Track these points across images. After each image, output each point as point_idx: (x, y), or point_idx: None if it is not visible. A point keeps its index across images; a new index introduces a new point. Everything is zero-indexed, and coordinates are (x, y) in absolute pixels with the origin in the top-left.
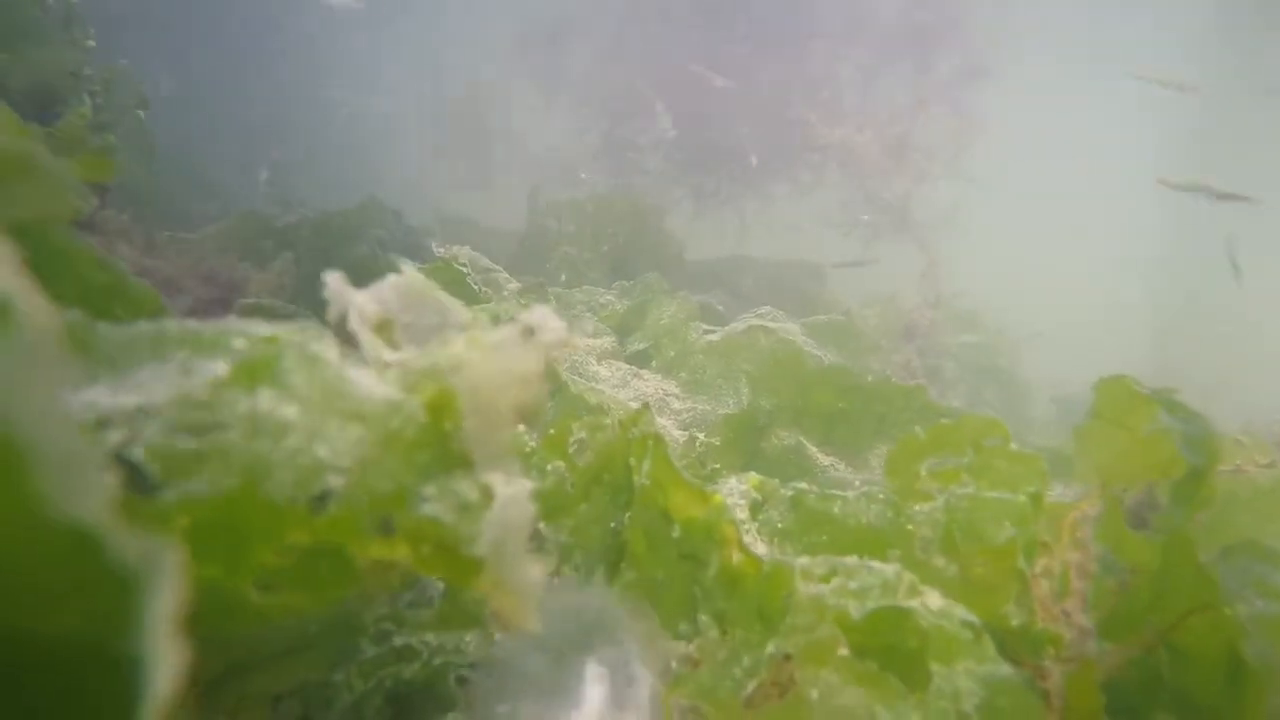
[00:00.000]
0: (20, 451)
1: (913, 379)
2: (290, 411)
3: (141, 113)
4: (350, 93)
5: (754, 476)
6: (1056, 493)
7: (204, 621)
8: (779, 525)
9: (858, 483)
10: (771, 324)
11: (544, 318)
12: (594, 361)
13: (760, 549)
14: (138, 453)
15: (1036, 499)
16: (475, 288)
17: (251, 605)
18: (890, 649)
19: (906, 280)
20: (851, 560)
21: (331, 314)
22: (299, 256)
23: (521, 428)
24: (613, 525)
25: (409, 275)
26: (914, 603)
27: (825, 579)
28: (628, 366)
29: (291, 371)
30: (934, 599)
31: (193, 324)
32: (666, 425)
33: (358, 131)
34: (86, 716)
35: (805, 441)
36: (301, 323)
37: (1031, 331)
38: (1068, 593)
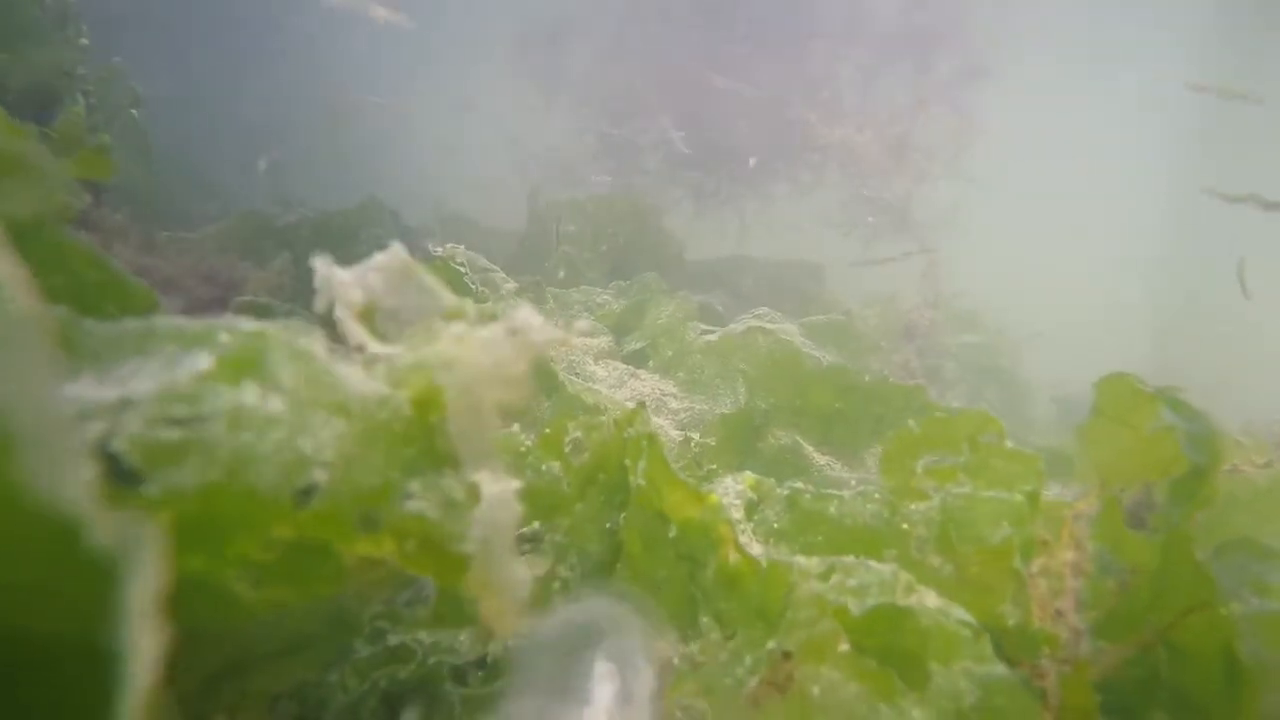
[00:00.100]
0: None
1: (912, 379)
2: (275, 405)
3: (136, 111)
4: (358, 94)
5: (750, 476)
6: (1055, 492)
7: (188, 613)
8: (775, 525)
9: (853, 482)
10: (770, 325)
11: (527, 316)
12: (591, 361)
13: (756, 549)
14: (120, 445)
15: (1033, 498)
16: (472, 287)
17: (237, 598)
18: (890, 647)
19: (907, 280)
20: (849, 559)
21: (320, 304)
22: (297, 256)
23: (516, 427)
24: (608, 526)
25: (396, 256)
26: (912, 601)
27: (824, 577)
28: (625, 366)
29: (277, 365)
30: (931, 599)
31: (180, 320)
32: (664, 425)
33: (359, 131)
34: (69, 707)
35: (802, 441)
36: (292, 319)
37: (1032, 332)
38: (1062, 592)
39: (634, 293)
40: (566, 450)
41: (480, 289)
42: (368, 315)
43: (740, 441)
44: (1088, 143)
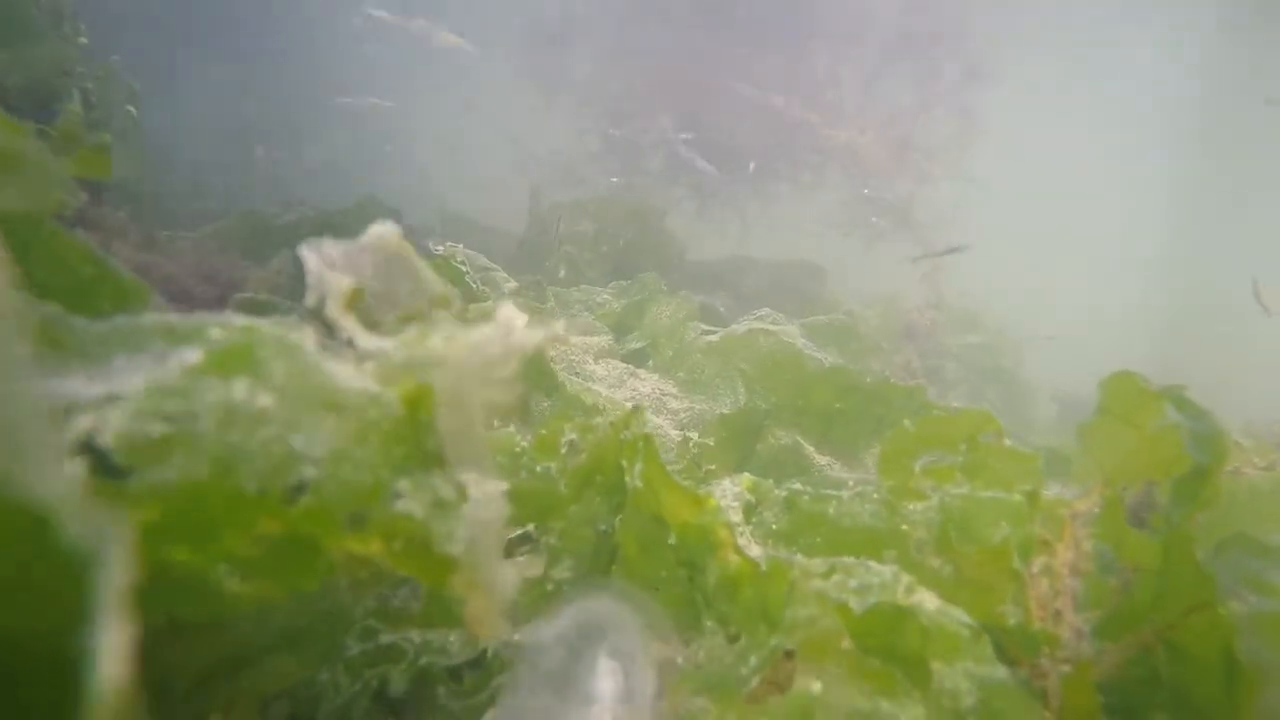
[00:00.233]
0: None
1: (913, 379)
2: (265, 401)
3: (134, 110)
4: (359, 95)
5: (747, 478)
6: (1055, 492)
7: (176, 605)
8: (773, 527)
9: (851, 482)
10: (772, 326)
11: (510, 315)
12: (591, 360)
13: (755, 551)
14: (107, 439)
15: (1032, 497)
16: (473, 285)
17: (224, 591)
18: (891, 646)
19: (908, 281)
20: (850, 560)
21: (310, 299)
22: (297, 255)
23: (511, 427)
24: (603, 528)
25: (387, 235)
26: (913, 600)
27: (825, 576)
28: (624, 365)
29: (267, 361)
30: (931, 600)
31: (170, 316)
32: (663, 425)
33: (360, 131)
34: (39, 704)
35: (802, 441)
36: (289, 316)
37: (1044, 335)
38: (1061, 592)
39: (634, 292)
40: (562, 452)
41: (481, 287)
42: (357, 299)
43: (740, 442)
44: (1088, 143)
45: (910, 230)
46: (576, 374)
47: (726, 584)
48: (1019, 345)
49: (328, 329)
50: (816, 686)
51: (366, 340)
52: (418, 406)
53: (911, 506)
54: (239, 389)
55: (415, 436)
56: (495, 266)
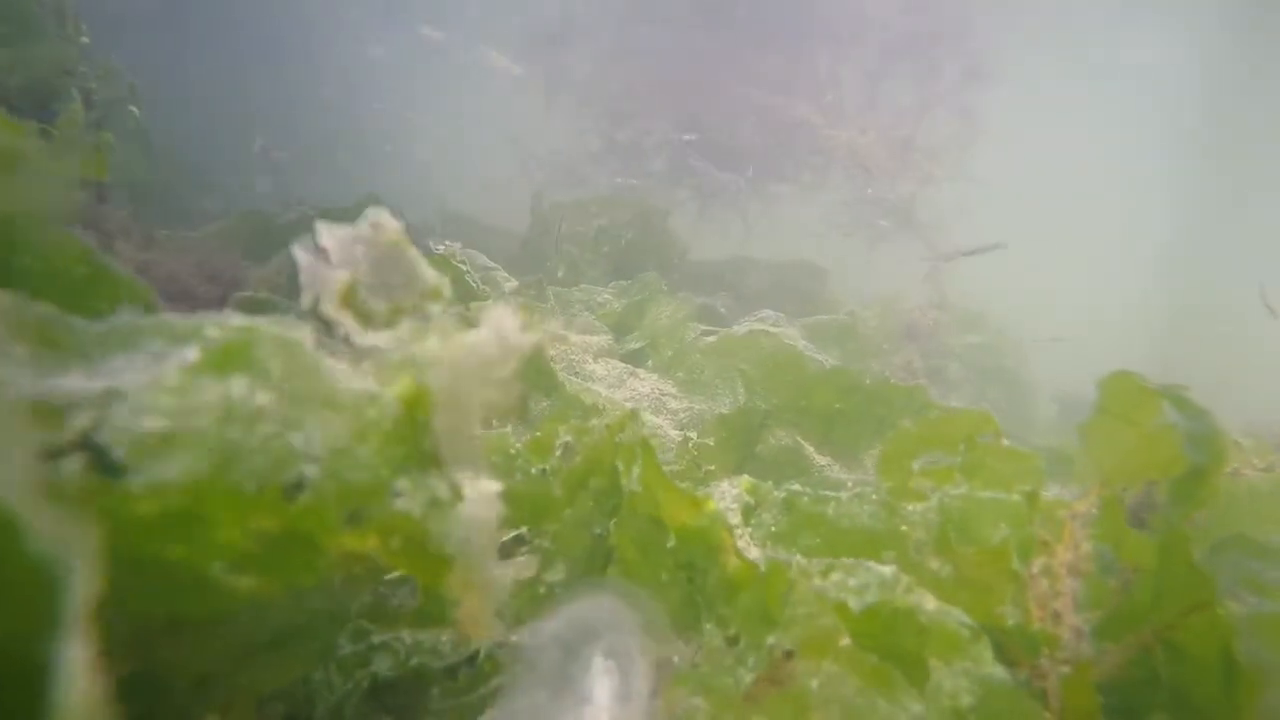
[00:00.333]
0: None
1: (915, 380)
2: (263, 398)
3: (136, 109)
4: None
5: (746, 480)
6: (1055, 492)
7: (174, 600)
8: (772, 528)
9: (850, 483)
10: (773, 328)
11: (504, 315)
12: (590, 359)
13: (754, 553)
14: (106, 437)
15: (1031, 497)
16: (473, 284)
17: (220, 585)
18: (890, 645)
19: (910, 281)
20: (849, 560)
21: (306, 300)
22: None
23: (508, 429)
24: (597, 531)
25: (382, 224)
26: (912, 600)
27: (824, 575)
28: (624, 365)
29: (266, 359)
30: (930, 601)
31: (168, 315)
32: (663, 424)
33: (364, 132)
34: (9, 712)
35: (803, 442)
36: (284, 314)
37: (1051, 337)
38: (1061, 592)
39: (635, 292)
40: (557, 454)
41: (481, 286)
42: (351, 293)
43: (740, 442)
44: (1089, 143)
45: (912, 230)
46: (576, 374)
47: (726, 586)
48: (1020, 345)
49: (325, 326)
50: (814, 684)
51: (363, 337)
52: (415, 406)
53: (911, 507)
54: (237, 387)
55: (413, 436)
56: (496, 266)
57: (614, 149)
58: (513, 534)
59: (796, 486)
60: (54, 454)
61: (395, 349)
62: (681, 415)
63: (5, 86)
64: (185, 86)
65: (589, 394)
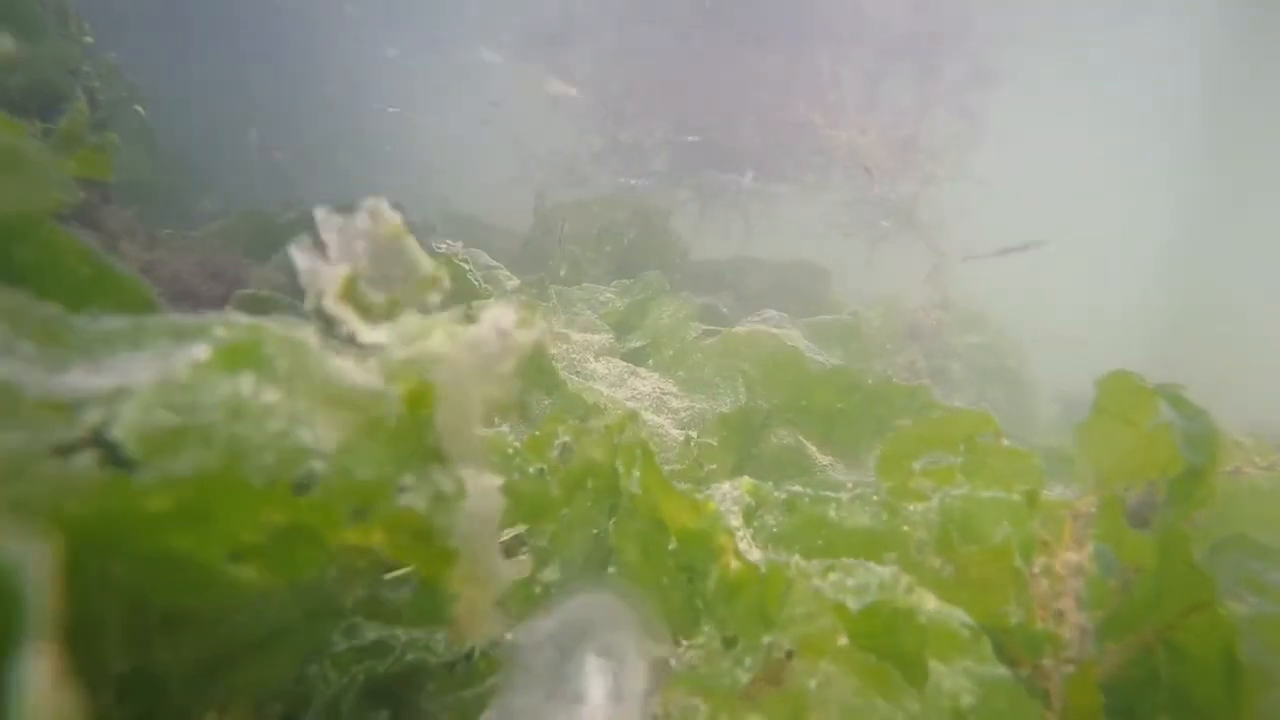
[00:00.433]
0: None
1: (917, 380)
2: (272, 395)
3: (142, 109)
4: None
5: (747, 481)
6: (1058, 492)
7: (177, 591)
8: (774, 530)
9: (851, 484)
10: (775, 329)
11: (503, 313)
12: (591, 358)
13: (756, 555)
14: (118, 432)
15: (1032, 496)
16: (475, 283)
17: (223, 576)
18: (889, 645)
19: (912, 281)
20: (849, 560)
21: (309, 302)
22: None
23: (505, 427)
24: (595, 532)
25: (381, 214)
26: (912, 600)
27: (823, 575)
28: (625, 364)
29: (273, 358)
30: (930, 601)
31: (173, 315)
32: (664, 424)
33: (365, 132)
34: None
35: (805, 441)
36: (287, 312)
37: (1070, 338)
38: (1064, 592)
39: (637, 291)
40: (555, 454)
41: (483, 285)
42: (352, 289)
43: (742, 441)
44: (1089, 143)
45: (914, 230)
46: (577, 372)
47: (726, 588)
48: (1021, 345)
49: (328, 324)
50: (812, 684)
51: (368, 334)
52: (419, 404)
53: (912, 507)
54: (246, 384)
55: (418, 433)
56: (498, 265)
57: (616, 149)
58: (511, 533)
59: (798, 488)
60: (66, 449)
61: (399, 346)
62: (683, 414)
63: (8, 86)
64: (186, 85)
65: (590, 393)
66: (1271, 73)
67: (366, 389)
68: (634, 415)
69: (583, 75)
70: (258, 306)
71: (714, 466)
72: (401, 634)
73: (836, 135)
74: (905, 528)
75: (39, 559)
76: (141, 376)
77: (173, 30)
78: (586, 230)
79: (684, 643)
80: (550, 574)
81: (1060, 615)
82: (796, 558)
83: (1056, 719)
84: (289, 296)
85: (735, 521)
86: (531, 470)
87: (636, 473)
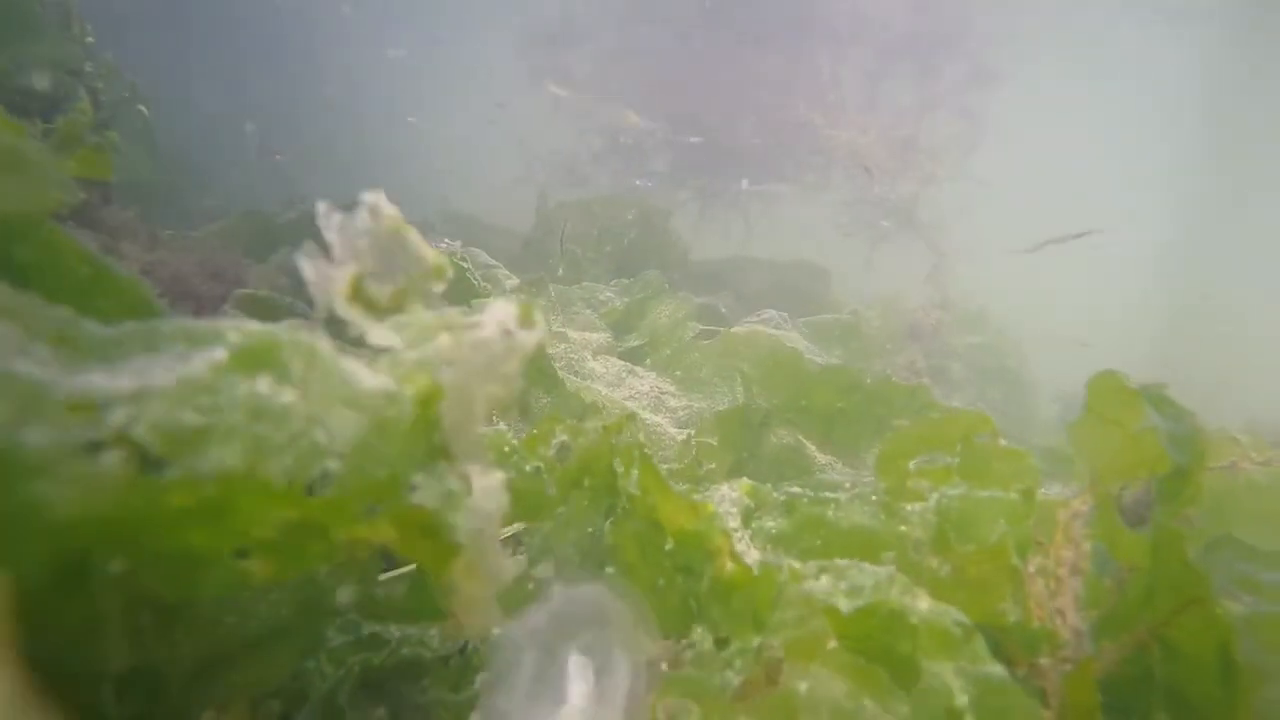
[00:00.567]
0: None
1: (917, 380)
2: (289, 397)
3: (145, 109)
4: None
5: (746, 483)
6: (1055, 491)
7: (186, 584)
8: (772, 531)
9: (849, 484)
10: (774, 330)
11: (505, 310)
12: (589, 357)
13: (753, 556)
14: (143, 431)
15: (1028, 495)
16: (475, 282)
17: (233, 572)
18: (880, 647)
19: (912, 281)
20: (843, 562)
21: (320, 310)
22: (297, 249)
23: (502, 425)
24: (591, 530)
25: (380, 208)
26: (904, 601)
27: (814, 578)
28: (622, 363)
29: (289, 360)
30: (924, 599)
31: (187, 320)
32: (662, 423)
33: (365, 132)
34: None
35: (804, 441)
36: (294, 312)
37: (1075, 340)
38: (1061, 591)
39: (637, 290)
40: (552, 454)
41: (482, 284)
42: (358, 288)
43: (741, 440)
44: (1089, 143)
45: (914, 230)
46: (575, 372)
47: (720, 589)
48: (1021, 345)
49: (337, 326)
50: (802, 687)
51: (377, 336)
52: (429, 404)
53: (909, 507)
54: (264, 385)
55: (428, 432)
56: (497, 264)
57: (616, 149)
58: (508, 531)
59: (796, 489)
60: (93, 448)
61: (408, 348)
62: (680, 414)
63: (8, 88)
64: (186, 85)
65: (588, 392)
66: (1271, 73)
67: (379, 391)
68: (632, 416)
69: (583, 75)
70: (258, 306)
71: (713, 466)
72: (395, 630)
73: (837, 135)
74: (903, 528)
75: None
76: (161, 378)
77: (173, 30)
78: (587, 230)
79: (681, 642)
80: (544, 571)
81: (1060, 614)
82: (789, 560)
83: (1054, 717)
84: (289, 296)
85: (733, 523)
86: (528, 468)
87: (635, 473)
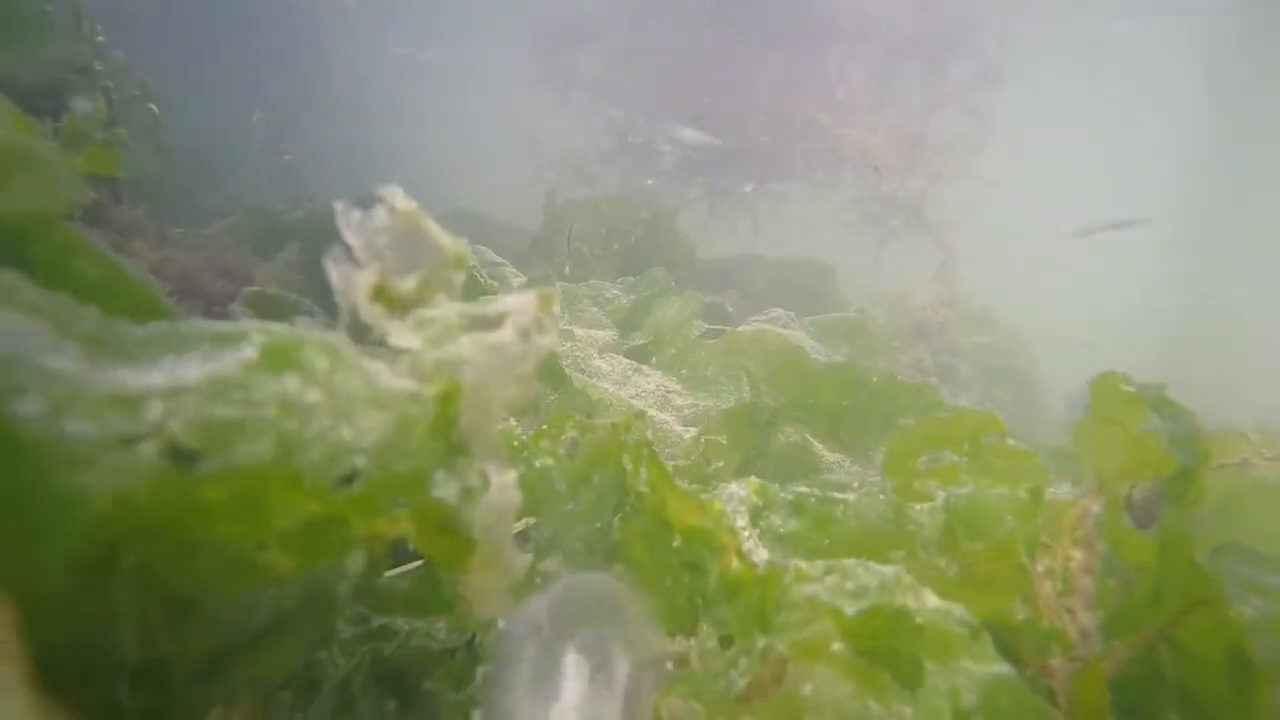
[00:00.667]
0: None
1: (924, 378)
2: (315, 395)
3: (155, 107)
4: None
5: (754, 481)
6: (1064, 491)
7: (201, 575)
8: (780, 530)
9: (857, 484)
10: (782, 330)
11: (520, 303)
12: (595, 355)
13: (761, 555)
14: (179, 426)
15: (1036, 494)
16: (481, 279)
17: (254, 564)
18: (885, 648)
19: (919, 280)
20: (849, 562)
21: (346, 317)
22: (304, 247)
23: (513, 422)
24: (599, 526)
25: (397, 204)
26: (910, 601)
27: (820, 579)
28: (628, 362)
29: (314, 360)
30: (931, 599)
31: (211, 322)
32: (668, 421)
33: (375, 130)
34: None
35: (811, 439)
36: (301, 315)
37: (1081, 341)
38: (1072, 591)
39: (643, 288)
40: (561, 451)
41: (489, 282)
42: (381, 290)
43: (748, 438)
44: (1090, 143)
45: (922, 228)
46: (581, 370)
47: (726, 587)
48: (1028, 344)
49: (359, 328)
50: (807, 688)
51: (399, 337)
52: (449, 403)
53: (917, 506)
54: (291, 383)
55: (448, 431)
56: (504, 262)
57: (625, 148)
58: (519, 526)
59: (804, 488)
60: (131, 441)
61: (428, 348)
62: (686, 412)
63: (17, 85)
64: (196, 84)
65: (595, 389)
66: (1272, 72)
67: (402, 391)
68: (642, 414)
69: (592, 74)
70: (266, 303)
71: (720, 464)
72: (403, 622)
73: (846, 134)
74: (911, 527)
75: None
76: (193, 375)
77: (182, 28)
78: (595, 229)
79: (690, 641)
80: (551, 565)
81: (1071, 613)
82: (796, 560)
83: (1064, 717)
84: (296, 294)
85: (741, 521)
86: (538, 464)
87: (644, 470)
